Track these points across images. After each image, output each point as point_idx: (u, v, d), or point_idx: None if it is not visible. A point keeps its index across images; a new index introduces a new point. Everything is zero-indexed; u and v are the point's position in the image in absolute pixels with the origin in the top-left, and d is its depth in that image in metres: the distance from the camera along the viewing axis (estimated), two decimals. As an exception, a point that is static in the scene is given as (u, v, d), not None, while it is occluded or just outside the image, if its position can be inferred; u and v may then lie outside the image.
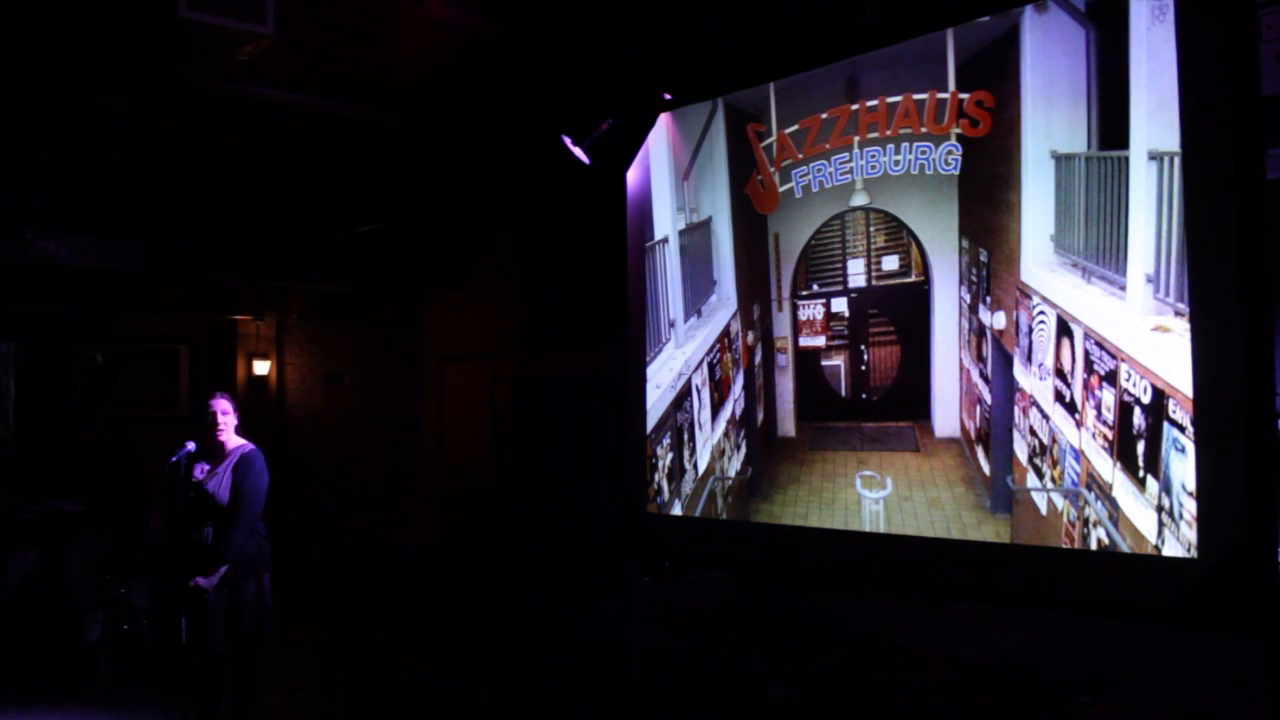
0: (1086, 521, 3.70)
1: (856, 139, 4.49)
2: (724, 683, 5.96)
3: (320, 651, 6.90)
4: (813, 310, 4.75)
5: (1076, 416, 3.73)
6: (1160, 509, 3.45)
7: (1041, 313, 3.86)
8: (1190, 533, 3.35)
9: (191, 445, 4.50)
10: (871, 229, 4.50)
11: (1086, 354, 3.70)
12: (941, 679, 5.80)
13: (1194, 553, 3.33)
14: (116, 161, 6.83)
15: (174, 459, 4.46)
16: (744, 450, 4.98)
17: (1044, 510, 3.85)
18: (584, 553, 7.81)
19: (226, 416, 4.60)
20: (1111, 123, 3.63)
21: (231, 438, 4.63)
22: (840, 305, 4.65)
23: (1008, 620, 6.60)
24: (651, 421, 5.39)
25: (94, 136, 6.05)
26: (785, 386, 4.86)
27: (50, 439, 8.48)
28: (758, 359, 4.96)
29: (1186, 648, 5.54)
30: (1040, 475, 3.87)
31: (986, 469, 4.06)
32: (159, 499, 7.13)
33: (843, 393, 4.63)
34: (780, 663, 6.25)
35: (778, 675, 5.97)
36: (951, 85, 4.13)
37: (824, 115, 4.60)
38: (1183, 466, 3.38)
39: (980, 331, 4.10)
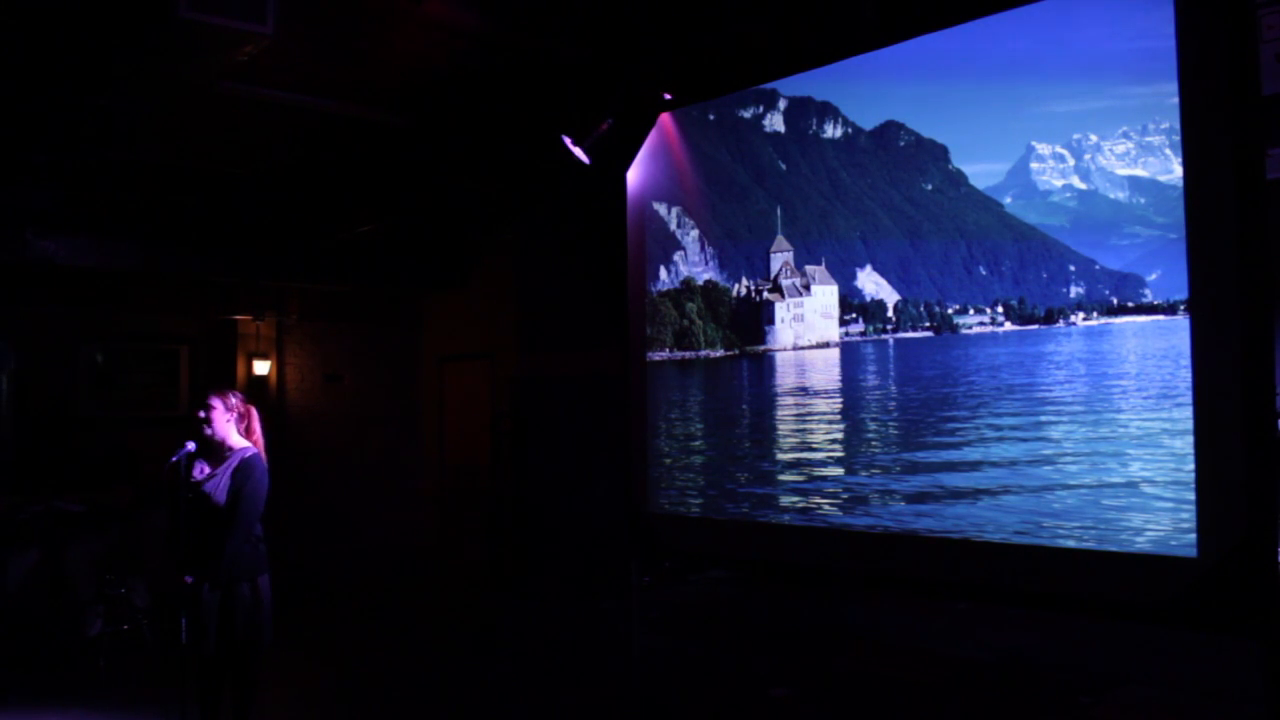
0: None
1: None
2: (724, 682, 5.96)
3: (319, 651, 6.90)
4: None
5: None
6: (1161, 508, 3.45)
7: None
8: (1190, 533, 3.35)
9: (191, 445, 4.47)
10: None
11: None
12: (942, 679, 5.79)
13: (1194, 552, 3.33)
14: (116, 161, 6.82)
15: (174, 459, 4.43)
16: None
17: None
18: (584, 553, 7.81)
19: (214, 413, 4.55)
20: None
21: (232, 437, 4.60)
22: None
23: (1008, 620, 6.59)
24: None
25: (94, 136, 6.05)
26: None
27: (50, 439, 8.48)
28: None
29: (1186, 648, 5.53)
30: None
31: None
32: (161, 499, 7.13)
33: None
34: (780, 663, 6.24)
35: (778, 675, 5.96)
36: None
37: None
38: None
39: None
